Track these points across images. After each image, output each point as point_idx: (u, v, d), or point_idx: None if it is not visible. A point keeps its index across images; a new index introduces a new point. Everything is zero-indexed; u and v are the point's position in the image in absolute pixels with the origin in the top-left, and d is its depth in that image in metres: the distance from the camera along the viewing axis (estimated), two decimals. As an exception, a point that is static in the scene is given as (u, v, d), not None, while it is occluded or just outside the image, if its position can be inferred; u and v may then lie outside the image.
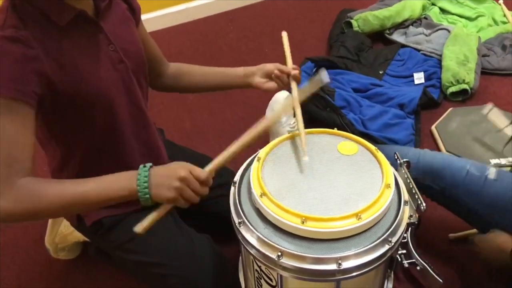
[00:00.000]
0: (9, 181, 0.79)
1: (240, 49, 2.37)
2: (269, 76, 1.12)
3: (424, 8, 2.44)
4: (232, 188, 0.97)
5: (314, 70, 2.08)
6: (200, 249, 1.10)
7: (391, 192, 0.87)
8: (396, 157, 1.09)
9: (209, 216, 1.21)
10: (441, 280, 1.05)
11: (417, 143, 1.71)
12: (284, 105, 1.55)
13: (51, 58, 0.84)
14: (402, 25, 2.35)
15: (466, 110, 1.86)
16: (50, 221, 1.39)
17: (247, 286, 1.08)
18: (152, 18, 2.53)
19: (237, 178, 0.99)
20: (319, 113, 1.77)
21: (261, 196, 0.87)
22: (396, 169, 1.02)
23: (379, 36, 2.35)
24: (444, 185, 1.16)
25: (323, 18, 2.56)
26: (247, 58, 2.27)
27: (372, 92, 1.92)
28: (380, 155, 0.96)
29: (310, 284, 0.87)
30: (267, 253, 0.83)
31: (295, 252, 0.81)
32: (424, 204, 0.95)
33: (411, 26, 2.33)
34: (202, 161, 1.34)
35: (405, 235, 1.00)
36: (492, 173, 1.12)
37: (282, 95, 1.58)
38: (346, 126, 1.70)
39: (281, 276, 0.88)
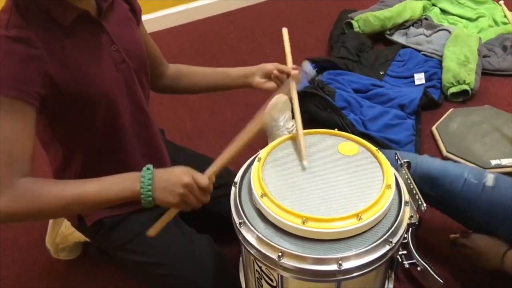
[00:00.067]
0: (9, 181, 0.79)
1: (240, 50, 2.38)
2: (268, 76, 1.12)
3: (424, 8, 2.44)
4: (233, 188, 0.97)
5: (314, 70, 2.08)
6: (200, 249, 1.10)
7: (391, 192, 0.87)
8: (396, 158, 1.09)
9: (210, 216, 1.21)
10: (441, 281, 1.05)
11: (418, 144, 1.71)
12: (277, 104, 1.55)
13: (54, 58, 0.85)
14: (402, 26, 2.35)
15: (466, 110, 1.86)
16: (51, 221, 1.39)
17: (247, 286, 1.08)
18: (153, 19, 2.53)
19: (237, 178, 0.99)
20: (320, 113, 1.77)
21: (261, 196, 0.87)
22: (397, 171, 1.02)
23: (380, 37, 2.35)
24: (441, 193, 1.17)
25: (324, 18, 2.56)
26: (248, 58, 2.27)
27: (372, 93, 1.92)
28: (381, 155, 0.96)
29: (311, 284, 0.87)
30: (267, 253, 0.83)
31: (296, 253, 0.81)
32: (424, 205, 0.95)
33: (411, 27, 2.33)
34: (202, 162, 1.35)
35: (405, 235, 1.00)
36: (490, 179, 1.13)
37: (280, 98, 1.58)
38: (346, 126, 1.70)
39: (281, 276, 0.88)
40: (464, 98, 1.93)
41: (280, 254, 0.82)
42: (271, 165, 0.97)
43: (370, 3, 2.51)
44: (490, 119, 1.78)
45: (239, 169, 1.02)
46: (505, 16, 2.39)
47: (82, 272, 1.39)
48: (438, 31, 2.25)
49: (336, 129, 1.06)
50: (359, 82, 1.97)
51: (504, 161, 1.60)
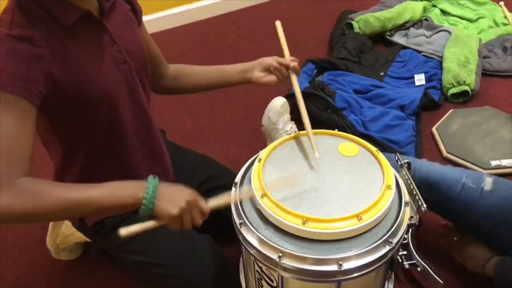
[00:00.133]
0: (9, 179, 0.78)
1: (241, 50, 2.38)
2: (268, 69, 1.11)
3: (425, 9, 2.45)
4: (233, 189, 0.97)
5: (314, 71, 2.09)
6: (200, 250, 1.11)
7: (391, 193, 0.88)
8: (396, 158, 1.09)
9: (210, 216, 1.21)
10: (441, 281, 1.05)
11: (418, 145, 1.71)
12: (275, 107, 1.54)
13: (57, 57, 0.85)
14: (403, 27, 2.35)
15: (467, 111, 1.86)
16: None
17: (248, 286, 1.08)
18: (153, 20, 2.53)
19: (238, 179, 0.99)
20: (320, 114, 1.77)
21: (262, 197, 0.87)
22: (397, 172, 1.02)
23: (380, 38, 2.35)
24: (440, 198, 1.18)
25: (324, 19, 2.57)
26: (248, 59, 2.24)
27: (373, 94, 1.92)
28: (381, 156, 0.97)
29: (311, 285, 0.87)
30: (268, 253, 0.83)
31: (296, 253, 0.82)
32: (424, 205, 0.95)
33: (412, 28, 2.34)
34: (203, 162, 1.36)
35: (405, 236, 1.00)
36: (488, 183, 1.14)
37: (278, 102, 1.58)
38: (346, 127, 1.70)
39: (282, 277, 0.88)
40: (464, 99, 1.93)
41: (280, 254, 0.82)
42: (272, 165, 0.97)
43: (371, 4, 2.51)
44: (490, 120, 1.79)
45: (239, 170, 1.02)
46: (505, 17, 2.39)
47: (82, 272, 1.39)
48: (438, 32, 2.25)
49: (336, 129, 1.06)
50: (359, 83, 1.97)
51: (504, 162, 1.60)
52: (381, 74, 2.07)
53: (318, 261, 0.81)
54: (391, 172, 0.93)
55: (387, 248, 0.83)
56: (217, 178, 1.28)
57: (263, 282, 0.95)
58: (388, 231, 0.85)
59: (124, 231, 0.84)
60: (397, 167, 1.06)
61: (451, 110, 1.86)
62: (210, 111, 2.00)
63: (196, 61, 1.27)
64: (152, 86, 1.14)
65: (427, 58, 2.15)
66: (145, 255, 1.09)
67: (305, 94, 1.76)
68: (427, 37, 2.24)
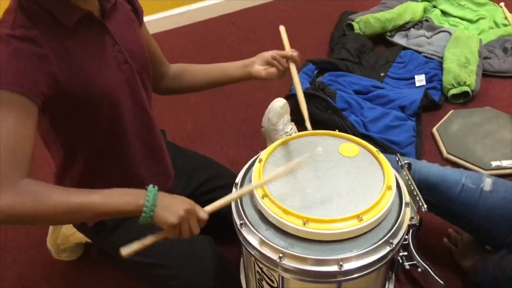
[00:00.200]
0: (10, 179, 0.77)
1: (241, 51, 2.38)
2: (267, 62, 1.11)
3: (425, 10, 2.45)
4: (234, 189, 0.97)
5: (315, 72, 2.09)
6: (200, 250, 1.11)
7: (392, 194, 0.88)
8: (397, 159, 1.09)
9: (210, 217, 1.21)
10: (442, 282, 1.05)
11: (418, 146, 1.71)
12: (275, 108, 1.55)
13: (58, 58, 0.85)
14: (403, 28, 2.35)
15: (467, 112, 1.86)
16: (52, 222, 1.39)
17: (248, 287, 1.08)
18: (154, 20, 2.53)
19: (238, 179, 0.99)
20: (320, 115, 1.77)
21: (262, 197, 0.87)
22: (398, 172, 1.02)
23: (381, 39, 2.36)
24: (439, 199, 1.18)
25: (325, 20, 2.57)
26: (249, 60, 2.27)
27: (373, 94, 1.92)
28: (381, 157, 0.97)
29: (312, 285, 0.87)
30: (268, 254, 0.83)
31: (297, 254, 0.82)
32: (425, 206, 0.95)
33: (412, 29, 2.34)
34: (203, 162, 1.36)
35: (406, 236, 1.00)
36: (487, 184, 1.14)
37: (278, 103, 1.59)
38: (347, 128, 1.70)
39: (282, 277, 0.88)
40: (465, 99, 1.93)
41: (281, 255, 0.82)
42: (272, 166, 0.97)
43: (371, 4, 2.51)
44: (490, 120, 1.79)
45: (239, 170, 1.02)
46: (506, 18, 2.39)
47: (83, 272, 1.39)
48: (438, 32, 2.25)
49: (337, 130, 1.06)
50: (359, 84, 1.97)
51: (505, 163, 1.60)
52: (382, 74, 2.07)
53: (318, 261, 0.81)
54: (391, 172, 0.93)
55: (388, 248, 0.83)
56: (217, 179, 1.28)
57: (264, 282, 0.95)
58: (389, 231, 0.85)
59: (125, 251, 0.85)
60: (398, 168, 1.06)
61: (451, 111, 1.86)
62: (210, 112, 2.00)
63: (196, 62, 1.27)
64: (153, 86, 1.14)
65: (428, 58, 2.15)
66: (145, 256, 1.08)
67: (305, 95, 1.75)
68: (428, 37, 2.24)
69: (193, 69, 1.23)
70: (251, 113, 1.95)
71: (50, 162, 1.07)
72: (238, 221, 0.89)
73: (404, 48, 2.25)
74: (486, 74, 2.05)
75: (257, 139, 1.79)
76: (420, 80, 2.01)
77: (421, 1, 2.49)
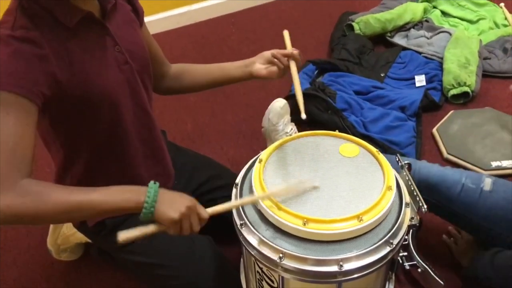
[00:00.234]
0: (12, 180, 0.77)
1: (241, 52, 2.38)
2: (268, 61, 1.10)
3: (425, 11, 2.45)
4: (234, 190, 0.97)
5: (315, 72, 2.09)
6: (200, 250, 1.11)
7: (392, 194, 0.88)
8: (397, 159, 1.09)
9: (210, 217, 1.21)
10: (442, 282, 1.05)
11: (418, 146, 1.71)
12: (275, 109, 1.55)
13: (59, 58, 0.85)
14: (403, 28, 2.35)
15: (467, 112, 1.86)
16: (52, 222, 1.39)
17: (248, 287, 1.08)
18: (154, 21, 2.53)
19: (238, 179, 0.99)
20: (321, 115, 1.77)
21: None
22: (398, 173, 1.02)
23: (381, 39, 2.36)
24: (439, 199, 1.18)
25: (325, 20, 2.57)
26: (249, 60, 2.27)
27: (373, 95, 1.92)
28: (382, 157, 0.97)
29: (312, 285, 0.87)
30: (268, 254, 0.84)
31: (297, 254, 0.82)
32: (425, 206, 0.95)
33: (412, 29, 2.34)
34: (203, 162, 1.36)
35: (406, 237, 1.00)
36: (487, 184, 1.14)
37: (278, 103, 1.59)
38: (347, 128, 1.71)
39: (282, 277, 0.88)
40: (465, 100, 1.93)
41: (281, 255, 0.82)
42: (272, 166, 0.97)
43: (371, 5, 2.52)
44: (490, 121, 1.79)
45: (239, 170, 1.02)
46: (506, 18, 2.39)
47: (83, 273, 1.39)
48: (438, 33, 2.25)
49: (337, 130, 1.07)
50: (359, 84, 1.97)
51: (505, 163, 1.60)
52: (382, 75, 2.07)
53: (318, 262, 0.81)
54: (391, 173, 0.93)
55: (388, 249, 0.83)
56: (218, 179, 1.28)
57: (264, 282, 0.95)
58: (389, 232, 0.85)
59: (122, 236, 0.84)
60: (398, 168, 1.06)
61: (451, 111, 1.86)
62: (210, 112, 2.00)
63: (197, 62, 1.27)
64: (154, 86, 1.14)
65: (428, 59, 2.15)
66: (145, 256, 1.09)
67: (305, 95, 1.76)
68: (428, 38, 2.24)
69: (194, 69, 1.23)
70: (251, 113, 1.95)
71: (50, 162, 1.07)
72: (238, 221, 0.90)
73: (404, 48, 2.25)
74: (486, 75, 2.05)
75: (257, 139, 1.79)
76: (420, 80, 2.01)
77: (421, 2, 2.49)
